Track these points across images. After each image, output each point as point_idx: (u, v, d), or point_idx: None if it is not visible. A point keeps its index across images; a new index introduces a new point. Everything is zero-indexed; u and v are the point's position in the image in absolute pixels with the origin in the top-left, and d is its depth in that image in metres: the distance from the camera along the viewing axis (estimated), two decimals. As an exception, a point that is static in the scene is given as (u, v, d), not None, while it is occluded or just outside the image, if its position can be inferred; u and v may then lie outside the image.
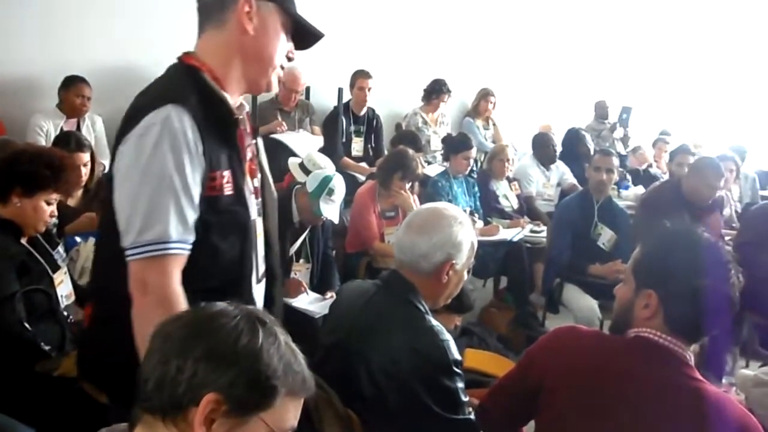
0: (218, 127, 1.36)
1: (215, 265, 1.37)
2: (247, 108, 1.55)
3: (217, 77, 1.40)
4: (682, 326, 1.39)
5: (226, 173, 1.37)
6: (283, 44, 1.44)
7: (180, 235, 1.29)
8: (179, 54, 1.45)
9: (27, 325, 2.10)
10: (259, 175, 1.54)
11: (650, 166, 6.48)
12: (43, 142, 3.90)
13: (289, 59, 1.48)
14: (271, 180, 1.62)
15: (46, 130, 4.03)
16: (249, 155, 1.49)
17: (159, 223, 1.27)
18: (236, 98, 1.47)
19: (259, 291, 1.54)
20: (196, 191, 1.31)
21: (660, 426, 1.33)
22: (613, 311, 1.55)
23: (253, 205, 1.48)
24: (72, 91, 4.10)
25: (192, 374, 0.88)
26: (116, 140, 1.35)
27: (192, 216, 1.30)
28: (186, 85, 1.36)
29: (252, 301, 1.51)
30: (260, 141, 1.60)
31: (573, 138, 5.75)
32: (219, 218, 1.36)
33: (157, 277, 1.27)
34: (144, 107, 1.30)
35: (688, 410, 1.32)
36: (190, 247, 1.31)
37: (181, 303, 1.28)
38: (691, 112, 7.78)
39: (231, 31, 1.39)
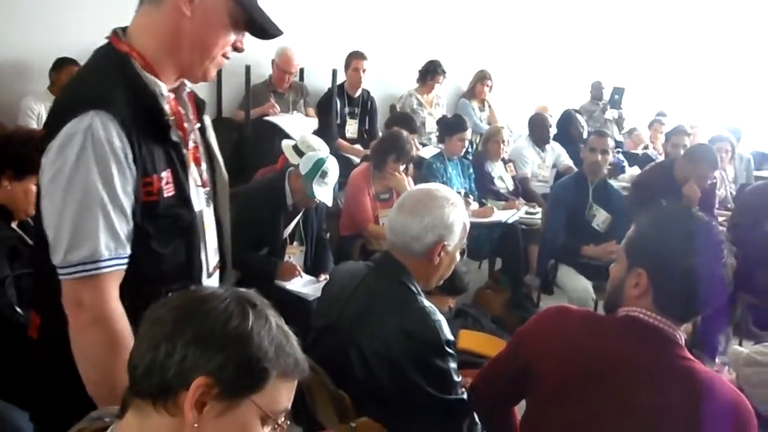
0: (151, 125, 1.27)
1: (159, 272, 1.31)
2: (189, 87, 1.44)
3: (149, 62, 1.29)
4: (671, 306, 1.39)
5: (165, 174, 1.29)
6: (227, 33, 1.31)
7: (112, 252, 1.21)
8: (108, 33, 1.33)
9: (18, 309, 2.10)
10: (204, 163, 1.43)
11: (646, 147, 6.47)
12: (34, 124, 3.86)
13: (237, 50, 1.36)
14: (221, 162, 1.51)
15: (38, 112, 3.99)
16: (192, 142, 1.39)
17: (88, 241, 1.19)
18: (172, 83, 1.36)
19: (212, 284, 1.46)
20: (128, 202, 1.22)
21: (650, 406, 1.33)
22: (606, 290, 1.55)
23: (201, 195, 1.40)
24: (63, 73, 4.05)
25: (182, 358, 0.87)
26: (40, 146, 1.25)
27: (124, 229, 1.23)
28: (114, 79, 1.25)
29: None
30: (207, 120, 1.50)
31: (566, 119, 5.75)
32: (158, 224, 1.29)
33: (92, 296, 1.20)
34: (65, 111, 1.20)
35: (679, 390, 1.32)
36: (125, 261, 1.24)
37: (120, 319, 1.23)
38: (687, 92, 7.76)
39: (167, 10, 1.28)
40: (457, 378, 1.65)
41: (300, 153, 3.22)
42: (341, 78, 5.16)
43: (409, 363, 1.58)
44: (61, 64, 4.08)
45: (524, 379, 1.48)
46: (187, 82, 1.42)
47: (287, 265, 3.12)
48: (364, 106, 5.31)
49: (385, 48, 5.58)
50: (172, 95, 1.35)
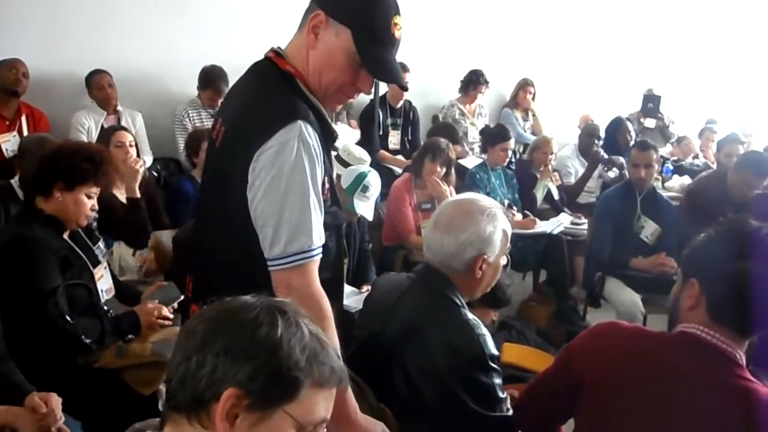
0: (322, 136, 1.42)
1: (325, 260, 1.44)
2: None
3: (307, 82, 1.43)
4: (724, 314, 1.32)
5: (326, 178, 1.45)
6: (344, 73, 1.41)
7: (319, 241, 1.37)
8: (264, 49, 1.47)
9: (69, 319, 2.14)
10: None
11: (696, 156, 6.27)
12: (84, 138, 3.99)
13: (362, 92, 1.48)
14: None
15: (87, 126, 4.13)
16: None
17: (304, 234, 1.34)
18: None
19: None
20: (321, 198, 1.40)
21: (706, 427, 1.27)
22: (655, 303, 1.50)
23: None
24: (94, 85, 4.21)
25: (212, 369, 0.86)
26: (234, 153, 1.38)
27: (321, 220, 1.39)
28: (293, 95, 1.40)
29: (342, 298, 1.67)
30: None
31: (614, 127, 5.54)
32: (325, 218, 1.42)
33: (301, 280, 1.36)
34: (271, 122, 1.34)
35: (736, 411, 1.26)
36: (322, 248, 1.40)
37: (323, 297, 1.38)
38: (740, 98, 7.48)
39: (303, 39, 1.42)
40: (501, 394, 1.61)
41: (342, 162, 3.22)
42: (383, 89, 5.17)
43: (453, 378, 1.54)
44: (91, 76, 4.21)
45: (574, 397, 1.43)
46: None
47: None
48: (407, 117, 5.31)
49: (427, 59, 5.56)
50: None
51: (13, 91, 3.97)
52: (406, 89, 1.48)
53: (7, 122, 3.99)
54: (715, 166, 5.37)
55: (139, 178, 3.22)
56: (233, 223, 1.42)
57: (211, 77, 4.39)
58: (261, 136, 1.33)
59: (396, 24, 1.43)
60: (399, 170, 4.82)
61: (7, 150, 3.90)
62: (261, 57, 1.53)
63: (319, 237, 1.37)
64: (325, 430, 0.95)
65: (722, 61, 7.37)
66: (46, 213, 2.25)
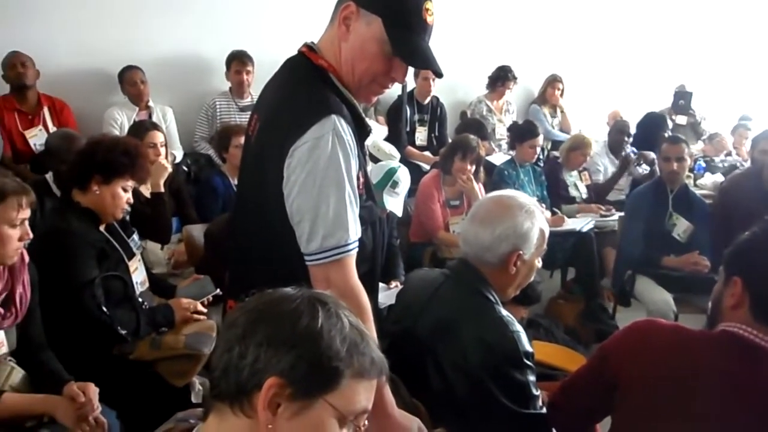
0: (356, 131, 1.42)
1: (361, 254, 1.43)
2: None
3: (340, 76, 1.43)
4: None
5: (360, 173, 1.43)
6: (377, 62, 1.40)
7: (356, 235, 1.38)
8: (298, 45, 1.48)
9: (105, 310, 2.18)
10: None
11: (729, 154, 6.15)
12: (117, 133, 4.04)
13: (396, 81, 1.46)
14: None
15: (120, 122, 4.18)
16: None
17: (341, 229, 1.35)
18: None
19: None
20: (357, 192, 1.39)
21: (746, 426, 1.25)
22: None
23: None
24: (126, 81, 4.25)
25: (254, 359, 0.88)
26: (269, 149, 1.39)
27: (357, 214, 1.39)
28: (330, 93, 1.40)
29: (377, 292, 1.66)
30: None
31: (652, 123, 5.36)
32: (360, 213, 1.42)
33: (339, 274, 1.36)
34: (304, 117, 1.34)
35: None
36: (358, 242, 1.40)
37: (362, 292, 1.39)
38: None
39: (335, 31, 1.42)
40: (535, 392, 1.60)
41: (372, 158, 3.23)
42: (411, 85, 5.16)
43: (487, 374, 1.54)
44: (123, 72, 4.25)
45: (610, 395, 1.42)
46: None
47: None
48: (434, 113, 5.29)
49: (455, 54, 5.53)
50: None
51: (23, 85, 3.92)
52: (440, 75, 1.43)
53: (30, 116, 3.98)
54: (748, 164, 5.26)
55: (167, 174, 3.26)
56: (270, 218, 1.42)
57: (236, 54, 4.46)
58: (295, 131, 1.33)
59: (428, 9, 1.39)
60: (426, 166, 4.81)
61: (35, 145, 3.92)
62: (292, 51, 1.53)
63: (355, 231, 1.38)
64: (365, 422, 0.95)
65: (755, 56, 7.22)
66: (83, 206, 2.29)
